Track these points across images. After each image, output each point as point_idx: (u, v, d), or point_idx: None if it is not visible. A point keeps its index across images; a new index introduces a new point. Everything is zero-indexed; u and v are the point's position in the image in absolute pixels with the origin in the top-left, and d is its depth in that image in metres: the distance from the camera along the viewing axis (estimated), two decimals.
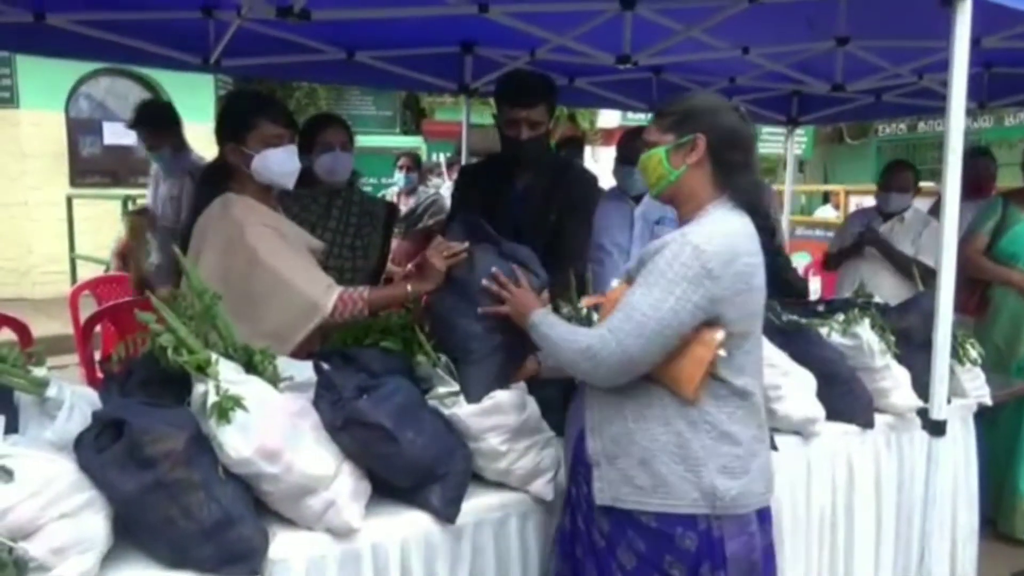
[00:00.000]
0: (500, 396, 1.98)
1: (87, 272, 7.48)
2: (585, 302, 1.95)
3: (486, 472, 2.00)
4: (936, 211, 4.56)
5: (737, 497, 1.72)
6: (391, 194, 5.60)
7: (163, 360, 1.69)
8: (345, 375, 1.86)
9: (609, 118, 14.00)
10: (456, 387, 1.96)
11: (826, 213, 11.14)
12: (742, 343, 1.75)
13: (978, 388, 3.06)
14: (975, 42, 2.26)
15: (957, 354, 2.94)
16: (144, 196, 8.63)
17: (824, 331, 2.77)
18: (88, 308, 4.32)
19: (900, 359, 2.79)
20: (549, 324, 1.87)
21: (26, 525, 1.41)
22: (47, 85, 9.21)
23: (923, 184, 4.40)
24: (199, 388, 1.64)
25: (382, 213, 3.07)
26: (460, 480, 1.91)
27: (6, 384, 1.66)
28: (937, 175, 2.61)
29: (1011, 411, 3.70)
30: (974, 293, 3.95)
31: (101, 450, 1.54)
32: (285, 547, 1.68)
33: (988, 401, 3.09)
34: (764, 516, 1.82)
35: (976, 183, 4.31)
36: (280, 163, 2.27)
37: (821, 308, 3.09)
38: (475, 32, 3.94)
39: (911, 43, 3.75)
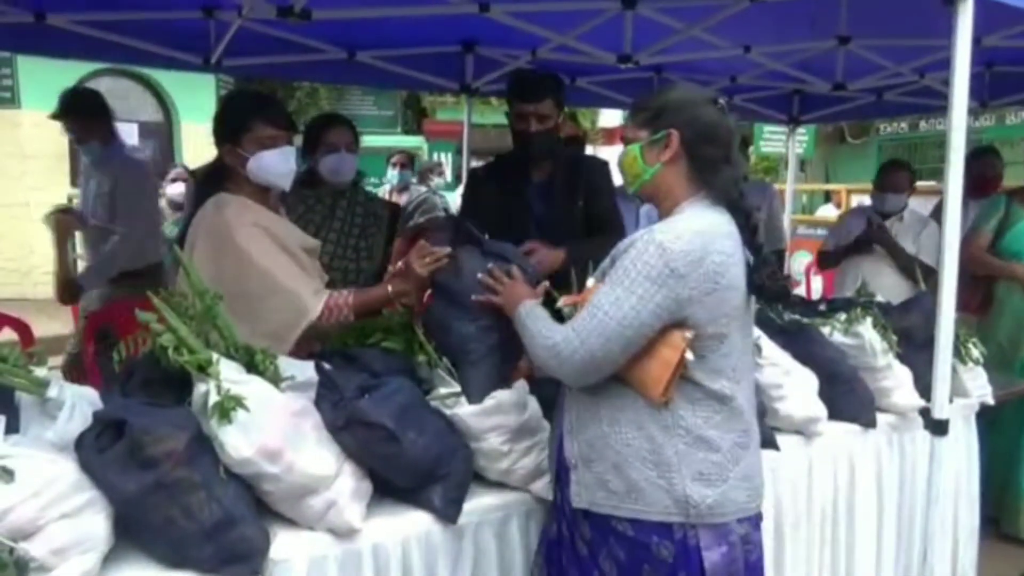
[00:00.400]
0: (501, 396, 1.98)
1: None
2: (563, 301, 1.89)
3: (487, 472, 2.00)
4: (939, 211, 4.57)
5: (714, 506, 1.65)
6: (383, 191, 5.60)
7: (164, 360, 1.69)
8: (347, 375, 1.86)
9: (610, 117, 14.00)
10: (457, 388, 1.96)
11: (828, 212, 11.13)
12: (717, 345, 1.67)
13: (980, 387, 3.06)
14: (976, 41, 2.25)
15: (959, 353, 2.94)
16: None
17: (826, 330, 2.77)
18: None
19: (902, 358, 2.79)
20: (532, 317, 1.82)
21: (27, 525, 1.41)
22: (48, 85, 9.10)
23: (925, 183, 4.39)
24: (200, 388, 1.64)
25: (386, 214, 3.07)
26: (461, 480, 1.90)
27: (7, 384, 1.65)
28: (939, 174, 2.60)
29: (1014, 411, 3.69)
30: (977, 291, 3.94)
31: (102, 450, 1.54)
32: (286, 547, 1.68)
33: (990, 400, 3.09)
34: (752, 526, 1.74)
35: (981, 181, 4.30)
36: (275, 165, 2.26)
37: (823, 307, 3.08)
38: (476, 31, 3.94)
39: (912, 42, 3.74)
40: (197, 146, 9.58)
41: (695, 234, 1.64)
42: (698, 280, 1.61)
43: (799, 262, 7.50)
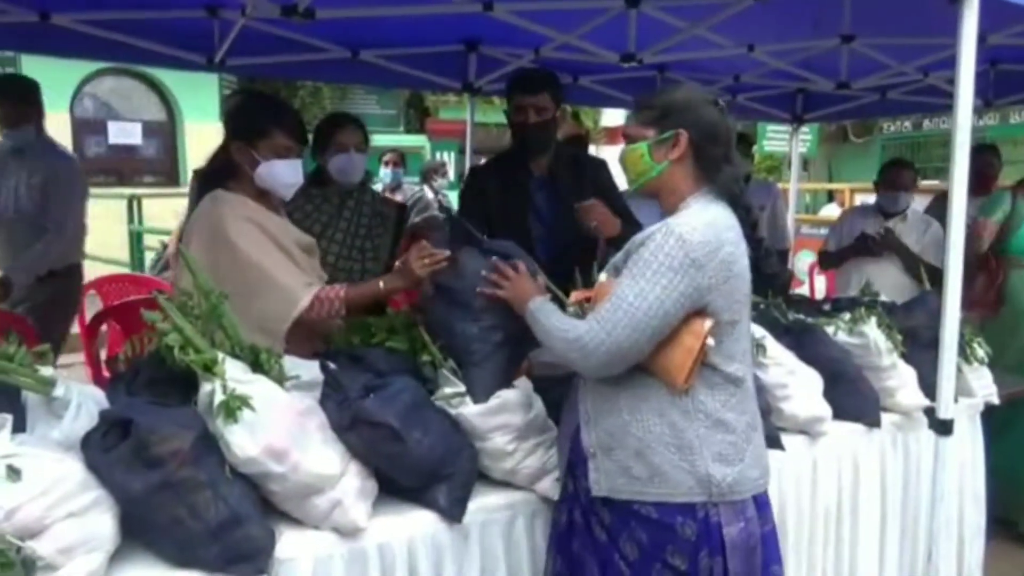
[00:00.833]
0: (506, 395, 1.98)
1: (92, 271, 7.47)
2: (574, 296, 1.94)
3: (492, 471, 2.01)
4: (933, 209, 4.56)
5: (733, 484, 1.73)
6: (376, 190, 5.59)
7: (169, 359, 1.69)
8: (351, 374, 1.86)
9: (613, 117, 13.99)
10: (462, 387, 1.96)
11: (831, 211, 11.11)
12: (731, 330, 1.76)
13: (985, 387, 3.05)
14: (981, 39, 2.24)
15: (964, 353, 2.93)
16: (148, 195, 8.71)
17: (830, 330, 2.77)
18: (93, 307, 4.32)
19: (907, 358, 2.79)
20: (545, 312, 1.86)
21: (33, 524, 1.41)
22: (52, 85, 9.10)
23: (929, 183, 4.39)
24: (206, 387, 1.64)
25: (393, 215, 3.07)
26: (466, 479, 1.91)
27: (13, 383, 1.66)
28: (943, 173, 2.60)
29: None
30: (989, 288, 3.91)
31: (108, 449, 1.54)
32: (292, 546, 1.68)
33: (995, 400, 3.08)
34: (762, 502, 1.83)
35: (980, 179, 4.29)
36: (284, 175, 2.31)
37: (827, 307, 3.08)
38: (479, 30, 3.93)
39: (916, 40, 3.73)
40: (201, 145, 9.51)
41: (708, 226, 1.71)
42: (715, 269, 1.69)
43: (803, 261, 7.48)
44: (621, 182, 3.81)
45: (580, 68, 4.43)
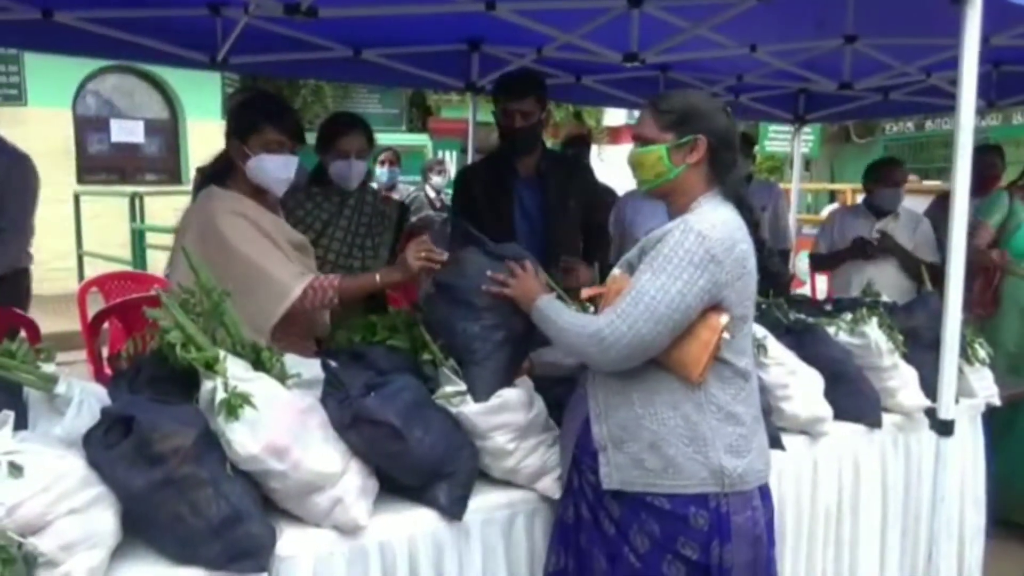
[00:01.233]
0: (507, 394, 1.98)
1: (94, 269, 7.50)
2: (585, 293, 1.98)
3: (493, 470, 2.01)
4: (934, 210, 4.55)
5: (743, 474, 1.79)
6: None
7: (171, 357, 1.69)
8: (353, 373, 1.87)
9: (615, 116, 13.98)
10: (463, 386, 1.96)
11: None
12: (742, 326, 1.83)
13: (986, 388, 3.05)
14: (984, 40, 2.24)
15: (966, 354, 2.93)
16: (150, 193, 8.71)
17: (832, 330, 2.77)
18: (95, 304, 4.33)
19: (908, 358, 2.79)
20: (555, 309, 1.91)
21: (35, 521, 1.41)
22: (55, 82, 9.23)
23: (931, 183, 4.38)
24: (207, 385, 1.64)
25: (394, 214, 3.08)
26: (467, 478, 1.91)
27: (16, 380, 1.66)
28: (945, 174, 2.60)
29: None
30: (986, 291, 3.91)
31: (110, 446, 1.54)
32: (293, 544, 1.69)
33: (996, 401, 3.08)
34: (765, 493, 1.89)
35: (982, 179, 4.28)
36: (273, 169, 2.32)
37: (829, 307, 3.08)
38: (482, 30, 3.93)
39: (919, 41, 3.73)
40: (203, 144, 9.61)
41: (724, 224, 1.78)
42: (731, 265, 1.75)
43: (805, 262, 7.47)
44: (621, 182, 3.86)
45: (582, 68, 4.43)
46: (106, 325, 4.09)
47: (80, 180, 9.64)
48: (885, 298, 3.11)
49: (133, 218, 8.23)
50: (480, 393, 1.96)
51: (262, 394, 1.64)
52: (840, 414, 2.59)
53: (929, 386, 2.58)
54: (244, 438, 1.59)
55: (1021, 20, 3.12)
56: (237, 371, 1.67)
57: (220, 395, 1.60)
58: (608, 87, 4.77)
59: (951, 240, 2.32)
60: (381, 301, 3.01)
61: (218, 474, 1.58)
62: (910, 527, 2.80)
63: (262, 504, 1.68)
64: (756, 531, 1.83)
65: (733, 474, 1.78)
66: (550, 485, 2.02)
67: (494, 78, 4.43)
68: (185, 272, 1.93)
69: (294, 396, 1.75)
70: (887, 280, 3.86)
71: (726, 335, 1.76)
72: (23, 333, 3.16)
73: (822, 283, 6.64)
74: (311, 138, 2.99)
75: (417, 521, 1.86)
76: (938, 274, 2.52)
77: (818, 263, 4.47)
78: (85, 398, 1.72)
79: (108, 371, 3.48)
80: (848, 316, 2.81)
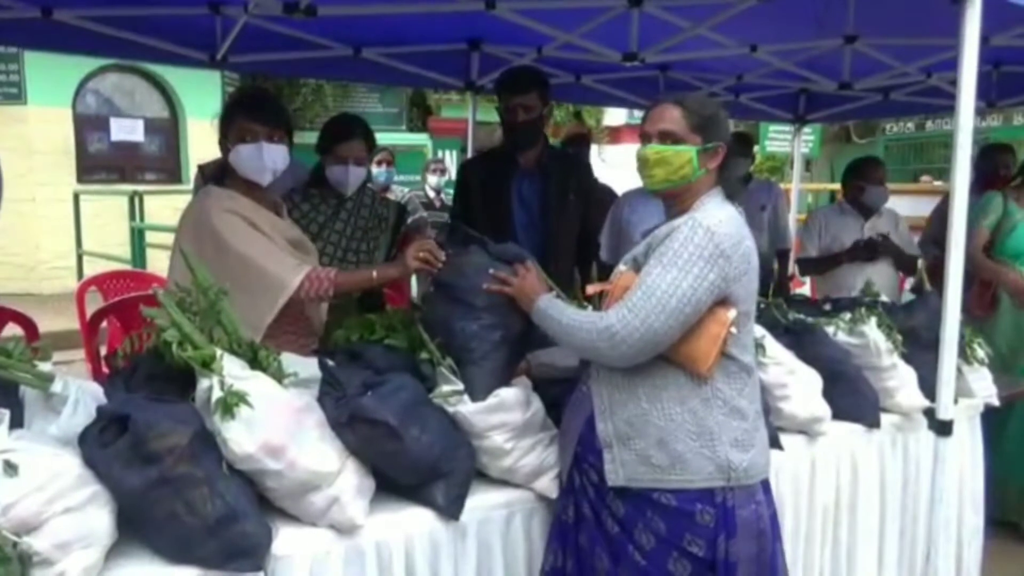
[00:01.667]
0: (504, 394, 1.98)
1: (94, 268, 7.50)
2: (591, 289, 2.00)
3: (490, 470, 2.00)
4: (942, 211, 4.53)
5: (748, 468, 1.81)
6: None
7: (168, 355, 1.69)
8: (350, 372, 1.87)
9: (616, 116, 13.97)
10: (460, 385, 1.96)
11: None
12: (746, 321, 1.86)
13: (985, 388, 3.04)
14: (983, 40, 2.24)
15: (964, 354, 2.92)
16: (149, 192, 8.71)
17: (830, 330, 2.77)
18: (95, 303, 4.33)
19: (907, 358, 2.78)
20: (558, 308, 1.92)
21: (30, 519, 1.41)
22: (54, 81, 9.23)
23: (939, 184, 4.37)
24: (204, 384, 1.64)
25: (392, 216, 3.07)
26: (464, 477, 1.91)
27: (12, 379, 1.66)
28: (945, 174, 2.60)
29: None
30: (986, 291, 3.91)
31: (106, 445, 1.54)
32: (289, 543, 1.68)
33: (995, 401, 3.07)
34: (766, 487, 1.92)
35: (995, 178, 4.28)
36: (248, 159, 2.31)
37: (827, 307, 3.07)
38: (482, 29, 3.93)
39: (919, 41, 3.72)
40: (203, 143, 9.61)
41: (730, 221, 1.82)
42: (739, 260, 1.79)
43: None
44: (621, 182, 3.86)
45: (582, 67, 4.43)
46: (104, 324, 4.09)
47: (80, 179, 9.63)
48: (884, 298, 3.11)
49: (133, 217, 8.23)
50: (477, 392, 1.96)
51: (258, 393, 1.64)
52: (838, 414, 2.59)
53: (928, 386, 2.58)
54: (240, 437, 1.59)
55: (1021, 20, 3.11)
56: (234, 370, 1.67)
57: (216, 394, 1.60)
58: (608, 87, 4.77)
59: (950, 240, 2.31)
60: (378, 300, 3.01)
61: (214, 473, 1.58)
62: (908, 527, 2.80)
63: (258, 503, 1.67)
64: (760, 525, 1.84)
65: (739, 468, 1.80)
66: (547, 484, 2.02)
67: (494, 77, 4.43)
68: (183, 271, 1.93)
69: (290, 395, 1.75)
70: (885, 281, 3.85)
71: (733, 330, 1.78)
72: (21, 331, 3.14)
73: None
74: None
75: (414, 520, 1.86)
76: (933, 271, 2.52)
77: (809, 267, 4.27)
78: (81, 397, 1.72)
79: (107, 370, 3.48)
80: (847, 316, 2.81)
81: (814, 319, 2.83)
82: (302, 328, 2.47)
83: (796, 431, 2.51)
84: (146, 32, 3.52)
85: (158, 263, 6.89)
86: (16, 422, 1.61)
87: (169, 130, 10.63)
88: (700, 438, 1.79)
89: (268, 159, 2.32)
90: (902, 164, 14.80)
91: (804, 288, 6.74)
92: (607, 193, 4.45)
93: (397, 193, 5.63)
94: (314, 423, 1.74)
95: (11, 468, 1.41)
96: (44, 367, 1.71)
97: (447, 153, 10.47)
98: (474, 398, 1.95)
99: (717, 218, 1.79)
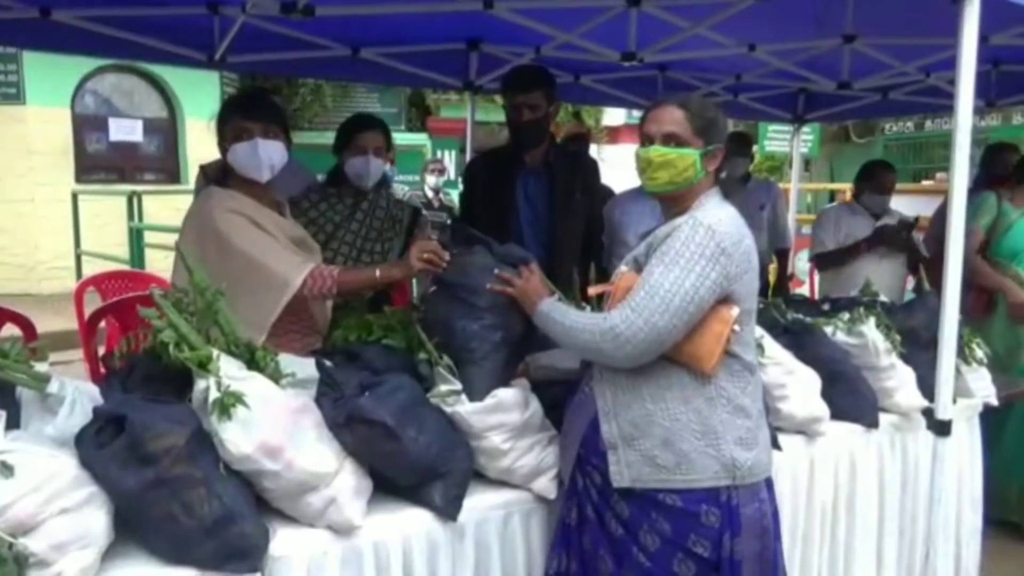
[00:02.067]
0: (502, 394, 1.97)
1: (93, 268, 7.49)
2: (592, 290, 2.01)
3: (488, 470, 2.00)
4: (944, 209, 4.54)
5: (752, 466, 1.82)
6: None
7: (165, 356, 1.69)
8: (347, 372, 1.86)
9: (614, 116, 13.96)
10: (458, 385, 1.95)
11: None
12: (748, 319, 1.87)
13: (984, 388, 3.04)
14: (983, 39, 2.24)
15: (963, 354, 2.92)
16: (148, 192, 8.70)
17: (829, 330, 2.76)
18: (93, 303, 4.32)
19: (906, 358, 2.78)
20: (561, 311, 1.92)
21: (26, 521, 1.41)
22: (53, 81, 9.22)
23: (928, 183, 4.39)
24: (200, 384, 1.64)
25: (407, 218, 3.07)
26: (462, 478, 1.90)
27: (8, 379, 1.66)
28: (945, 174, 2.60)
29: None
30: (983, 293, 3.91)
31: (102, 446, 1.54)
32: (286, 544, 1.68)
33: (994, 401, 3.07)
34: (769, 485, 1.93)
35: (997, 177, 4.28)
36: (245, 156, 2.32)
37: (826, 307, 3.07)
38: (480, 29, 3.92)
39: (918, 40, 3.72)
40: (202, 143, 9.60)
41: (730, 219, 1.83)
42: (739, 259, 1.79)
43: (804, 261, 7.46)
44: (620, 181, 3.87)
45: (581, 67, 4.42)
46: (103, 324, 4.09)
47: (78, 179, 9.62)
48: (883, 298, 3.11)
49: (131, 217, 8.22)
50: (476, 392, 1.96)
51: (255, 393, 1.64)
52: (837, 414, 2.59)
53: (926, 386, 2.58)
54: (237, 437, 1.59)
55: (1021, 20, 3.11)
56: (230, 370, 1.67)
57: (213, 394, 1.60)
58: (606, 86, 4.76)
59: (949, 240, 2.31)
60: (387, 301, 3.00)
61: (211, 474, 1.58)
62: (907, 527, 2.80)
63: (255, 504, 1.67)
64: (764, 523, 1.85)
65: (744, 466, 1.80)
66: (545, 485, 2.02)
67: (493, 77, 4.43)
68: (183, 273, 1.93)
69: (288, 395, 1.75)
70: (885, 280, 3.85)
71: (736, 327, 1.79)
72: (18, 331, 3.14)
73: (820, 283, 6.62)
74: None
75: (412, 521, 1.86)
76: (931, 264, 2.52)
77: (829, 261, 4.29)
78: (78, 397, 1.72)
79: (104, 370, 3.48)
80: (845, 316, 2.81)
81: (813, 319, 2.82)
82: (306, 326, 2.46)
83: (795, 431, 2.51)
84: (144, 32, 3.52)
85: (157, 263, 6.90)
86: (12, 423, 1.60)
87: (168, 130, 10.62)
88: (705, 437, 1.79)
89: (264, 155, 2.31)
90: (901, 164, 14.76)
91: (803, 288, 6.75)
92: (608, 193, 4.46)
93: (397, 192, 5.63)
94: (312, 424, 1.74)
95: (7, 469, 1.41)
96: (41, 367, 1.71)
97: (446, 153, 10.46)
98: (473, 398, 1.94)
99: (717, 217, 1.80)
